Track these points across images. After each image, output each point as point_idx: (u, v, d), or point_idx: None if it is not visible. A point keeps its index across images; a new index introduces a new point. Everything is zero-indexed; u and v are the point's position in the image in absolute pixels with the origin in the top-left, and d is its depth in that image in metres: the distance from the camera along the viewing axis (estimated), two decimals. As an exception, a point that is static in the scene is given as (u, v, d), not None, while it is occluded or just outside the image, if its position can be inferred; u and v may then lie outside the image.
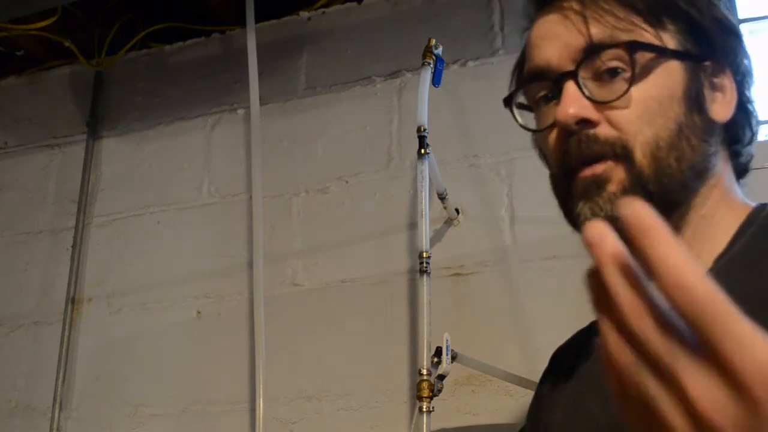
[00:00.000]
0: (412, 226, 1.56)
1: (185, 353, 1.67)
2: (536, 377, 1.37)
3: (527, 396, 1.37)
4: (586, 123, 0.68)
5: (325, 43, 1.80)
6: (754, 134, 0.75)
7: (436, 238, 1.53)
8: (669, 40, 0.70)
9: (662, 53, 0.69)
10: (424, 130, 1.31)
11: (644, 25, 0.69)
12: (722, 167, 0.72)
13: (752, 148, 0.76)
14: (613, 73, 0.68)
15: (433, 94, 1.41)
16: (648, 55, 0.68)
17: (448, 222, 1.54)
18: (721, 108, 0.71)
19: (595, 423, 0.69)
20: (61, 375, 1.71)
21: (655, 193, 0.66)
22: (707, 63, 0.71)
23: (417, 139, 1.32)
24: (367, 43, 1.76)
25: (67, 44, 1.90)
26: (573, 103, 0.68)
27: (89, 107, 1.95)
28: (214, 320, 1.68)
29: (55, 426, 1.68)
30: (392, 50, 1.72)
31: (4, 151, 2.02)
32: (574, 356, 0.82)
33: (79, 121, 1.96)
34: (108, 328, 1.75)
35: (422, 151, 1.30)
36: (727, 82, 0.71)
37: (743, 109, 0.73)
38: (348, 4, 1.80)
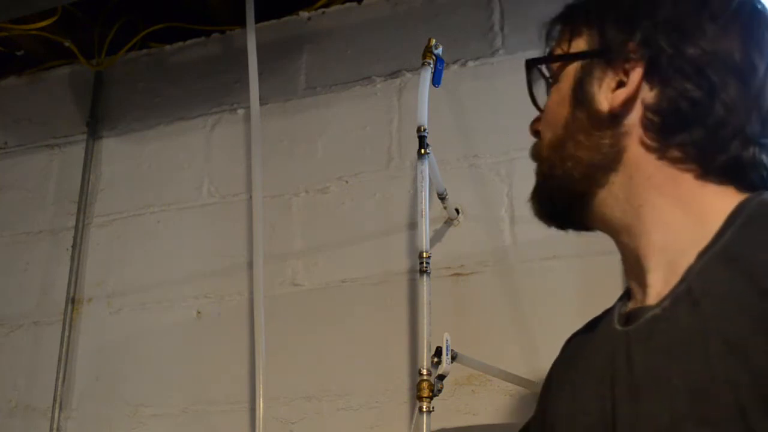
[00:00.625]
0: (412, 226, 1.56)
1: (185, 353, 1.67)
2: (536, 377, 1.37)
3: (527, 396, 1.37)
4: (536, 132, 0.84)
5: (325, 43, 1.80)
6: (716, 127, 0.70)
7: (436, 238, 1.53)
8: (581, 43, 0.76)
9: (561, 59, 0.78)
10: (424, 130, 1.31)
11: (565, 37, 0.79)
12: (643, 156, 0.71)
13: (736, 145, 0.70)
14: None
15: (433, 94, 1.41)
16: (556, 66, 0.79)
17: (448, 222, 1.54)
18: (614, 98, 0.72)
19: (589, 418, 0.69)
20: (61, 375, 1.71)
21: (554, 188, 0.77)
22: (608, 56, 0.73)
23: (417, 139, 1.32)
24: (367, 43, 1.76)
25: (67, 44, 1.90)
26: (535, 118, 0.85)
27: (89, 107, 1.95)
28: (214, 320, 1.68)
29: (55, 426, 1.68)
30: (392, 50, 1.72)
31: (4, 151, 2.02)
32: (581, 344, 0.83)
33: (79, 121, 1.96)
34: (108, 328, 1.75)
35: (422, 151, 1.30)
36: (632, 71, 0.72)
37: (679, 99, 0.70)
38: (348, 4, 1.80)
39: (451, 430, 1.42)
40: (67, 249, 1.83)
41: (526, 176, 1.53)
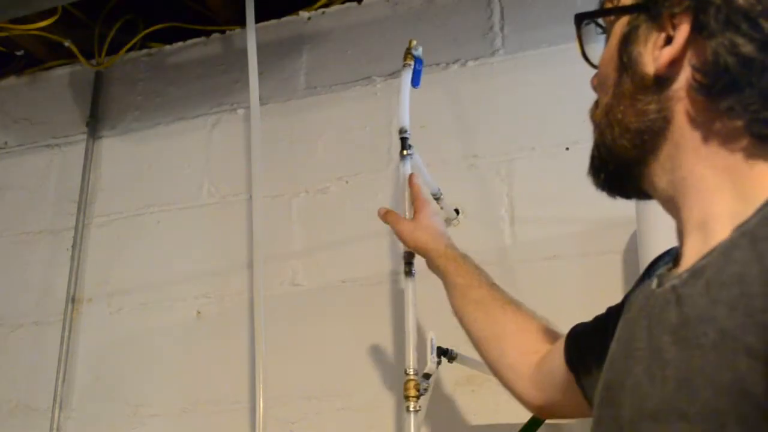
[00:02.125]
0: (412, 226, 1.55)
1: (185, 353, 1.67)
2: (536, 377, 1.37)
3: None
4: (596, 88, 0.75)
5: (325, 43, 1.80)
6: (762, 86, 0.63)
7: (436, 238, 1.53)
8: None
9: (606, 13, 0.72)
10: (406, 131, 1.31)
11: None
12: (690, 123, 0.65)
13: None
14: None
15: (433, 94, 1.42)
16: (609, 19, 0.72)
17: (448, 222, 1.54)
18: (659, 57, 0.66)
19: (645, 406, 0.63)
20: (61, 375, 1.71)
21: (605, 157, 0.71)
22: (654, 9, 0.66)
23: (417, 139, 1.32)
24: (367, 43, 1.76)
25: (67, 44, 1.90)
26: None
27: (89, 107, 1.95)
28: (214, 320, 1.68)
29: (55, 426, 1.68)
30: (392, 50, 1.72)
31: (4, 151, 2.02)
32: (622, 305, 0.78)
33: (79, 121, 1.96)
34: (108, 328, 1.75)
35: (404, 152, 1.30)
36: (679, 26, 0.65)
37: (728, 55, 0.62)
38: (348, 4, 1.80)
39: (450, 430, 1.42)
40: (67, 249, 1.83)
41: (526, 176, 1.54)
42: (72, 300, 1.78)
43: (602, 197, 0.75)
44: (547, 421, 1.23)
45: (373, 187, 1.64)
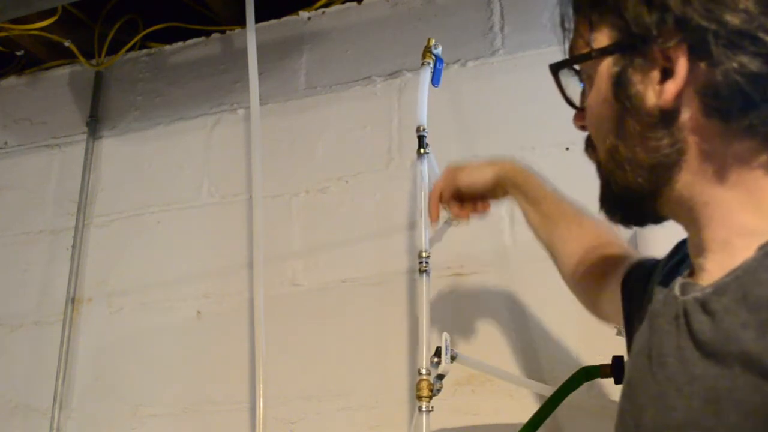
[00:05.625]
0: (412, 226, 1.56)
1: (185, 353, 1.67)
2: (536, 377, 1.37)
3: (527, 396, 1.37)
4: (582, 127, 0.75)
5: (325, 43, 1.80)
6: None
7: (436, 238, 1.53)
8: (602, 37, 0.68)
9: (586, 59, 0.70)
10: (424, 129, 1.31)
11: (584, 28, 0.71)
12: (707, 148, 0.64)
13: None
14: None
15: (433, 94, 1.41)
16: (587, 63, 0.71)
17: (448, 222, 1.54)
18: (663, 92, 0.64)
19: (671, 417, 0.63)
20: (61, 375, 1.71)
21: (618, 195, 0.70)
22: (642, 47, 0.65)
23: (417, 139, 1.32)
24: (367, 43, 1.76)
25: (67, 44, 1.90)
26: (577, 112, 0.76)
27: (89, 107, 1.95)
28: (214, 320, 1.68)
29: (55, 426, 1.68)
30: (392, 50, 1.72)
31: (4, 151, 2.02)
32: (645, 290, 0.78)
33: (79, 121, 1.96)
34: (108, 328, 1.75)
35: (422, 150, 1.31)
36: (676, 59, 0.63)
37: (736, 76, 0.61)
38: (348, 4, 1.80)
39: (451, 430, 1.42)
40: (67, 249, 1.83)
41: (526, 176, 1.54)
42: (72, 300, 1.78)
43: (602, 197, 0.75)
44: (547, 421, 1.23)
45: (373, 187, 1.64)
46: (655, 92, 0.64)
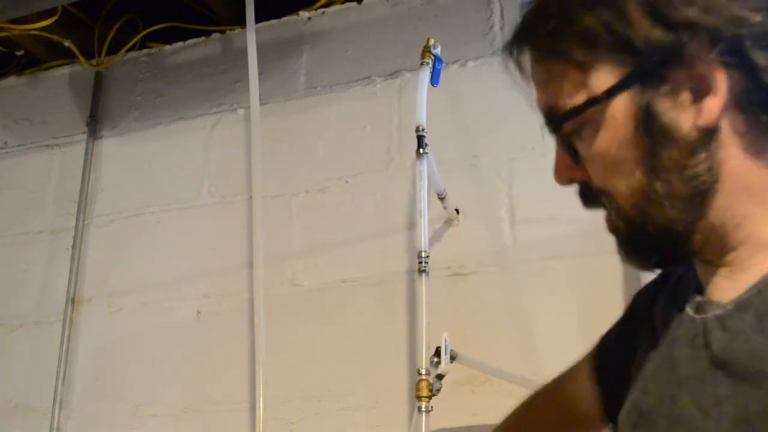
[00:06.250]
0: (412, 226, 1.56)
1: (185, 353, 1.67)
2: (536, 377, 1.37)
3: (527, 396, 1.36)
4: (573, 181, 0.69)
5: (325, 43, 1.80)
6: None
7: (436, 238, 1.53)
8: (603, 77, 0.63)
9: (594, 102, 0.63)
10: (423, 129, 1.31)
11: (573, 76, 0.65)
12: (740, 164, 0.62)
13: None
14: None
15: (433, 94, 1.41)
16: (589, 111, 0.64)
17: (448, 222, 1.54)
18: (705, 112, 0.61)
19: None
20: (61, 375, 1.71)
21: (654, 234, 0.64)
22: (663, 72, 0.61)
23: (416, 139, 1.32)
24: (367, 43, 1.76)
25: (67, 44, 1.90)
26: (559, 164, 0.70)
27: (89, 107, 1.95)
28: (214, 320, 1.68)
29: (55, 426, 1.68)
30: (392, 50, 1.72)
31: (4, 151, 2.02)
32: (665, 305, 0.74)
33: (79, 121, 1.96)
34: (108, 328, 1.75)
35: (421, 150, 1.30)
36: (710, 72, 0.60)
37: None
38: (348, 4, 1.80)
39: (451, 430, 1.42)
40: (67, 249, 1.83)
41: (526, 176, 1.54)
42: (72, 300, 1.78)
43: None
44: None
45: (372, 187, 1.64)
46: (689, 115, 0.61)
